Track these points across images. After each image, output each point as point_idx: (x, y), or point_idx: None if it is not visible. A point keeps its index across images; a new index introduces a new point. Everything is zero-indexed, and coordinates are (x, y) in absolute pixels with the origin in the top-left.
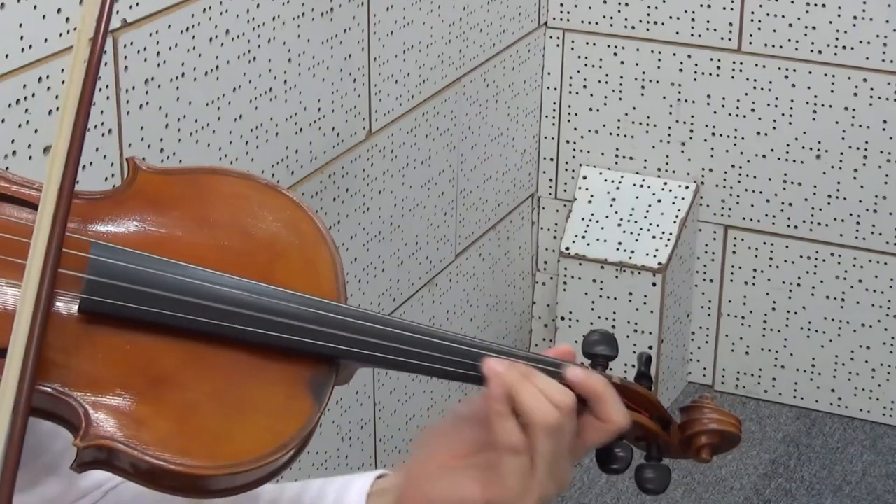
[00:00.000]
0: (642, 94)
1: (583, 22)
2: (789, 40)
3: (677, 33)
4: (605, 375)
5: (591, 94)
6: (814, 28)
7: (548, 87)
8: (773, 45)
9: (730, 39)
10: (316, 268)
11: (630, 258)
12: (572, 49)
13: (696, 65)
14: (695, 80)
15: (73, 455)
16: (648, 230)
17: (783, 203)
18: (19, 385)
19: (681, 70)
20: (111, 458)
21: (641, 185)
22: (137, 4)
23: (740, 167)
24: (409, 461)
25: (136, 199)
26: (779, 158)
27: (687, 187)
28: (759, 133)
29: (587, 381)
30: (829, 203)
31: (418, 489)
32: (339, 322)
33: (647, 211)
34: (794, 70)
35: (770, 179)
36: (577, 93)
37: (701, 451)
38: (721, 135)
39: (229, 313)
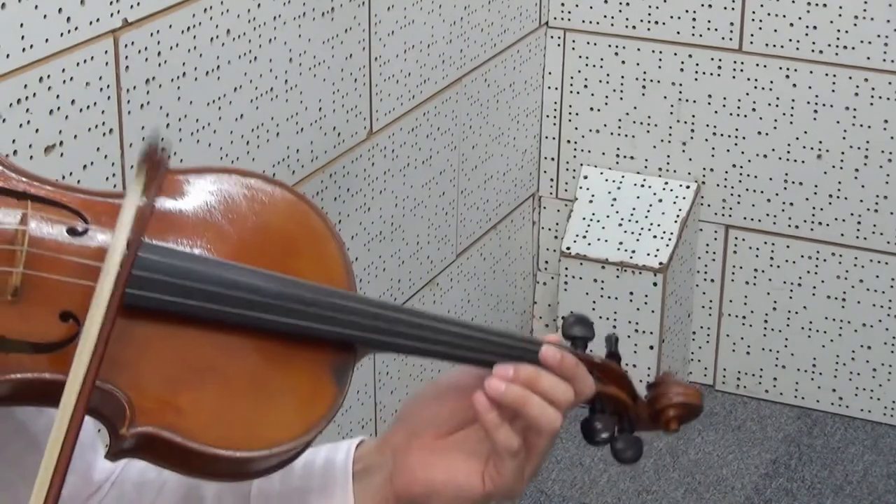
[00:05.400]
0: (643, 94)
1: (584, 22)
2: (790, 40)
3: (678, 33)
4: (585, 354)
5: (592, 94)
6: (815, 28)
7: (549, 87)
8: (774, 45)
9: (731, 39)
10: (328, 260)
11: (631, 258)
12: (573, 49)
13: (697, 64)
14: (696, 79)
15: (85, 451)
16: (649, 230)
17: (784, 203)
18: (82, 387)
19: (682, 70)
20: (153, 445)
21: (642, 185)
22: (138, 4)
23: (741, 167)
24: (392, 436)
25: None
26: (780, 158)
27: (688, 187)
28: (760, 133)
29: (562, 364)
30: (829, 203)
31: (412, 473)
32: (359, 310)
33: (648, 211)
34: (795, 70)
35: (771, 179)
36: (577, 92)
37: (670, 423)
38: (722, 134)
39: (263, 304)
